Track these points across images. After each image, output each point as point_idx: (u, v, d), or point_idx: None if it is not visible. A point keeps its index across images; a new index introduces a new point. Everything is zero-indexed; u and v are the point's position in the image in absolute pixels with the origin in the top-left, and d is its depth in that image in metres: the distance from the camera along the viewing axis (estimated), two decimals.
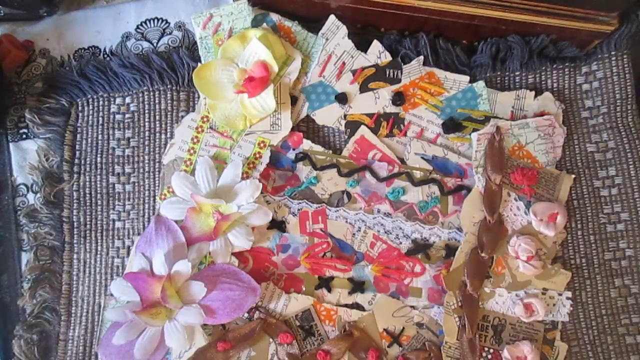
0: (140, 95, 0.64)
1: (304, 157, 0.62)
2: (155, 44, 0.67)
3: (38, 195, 0.63)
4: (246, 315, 0.59)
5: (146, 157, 0.63)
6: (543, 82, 0.63)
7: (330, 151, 0.62)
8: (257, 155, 0.61)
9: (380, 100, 0.63)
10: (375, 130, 0.62)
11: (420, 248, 0.61)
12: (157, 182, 0.62)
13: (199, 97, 0.63)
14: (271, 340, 0.59)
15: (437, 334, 0.59)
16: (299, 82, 0.63)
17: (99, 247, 0.62)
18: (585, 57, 0.63)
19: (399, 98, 0.62)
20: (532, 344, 0.58)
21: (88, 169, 0.63)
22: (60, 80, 0.65)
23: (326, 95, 0.63)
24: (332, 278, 0.60)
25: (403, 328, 0.59)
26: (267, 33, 0.61)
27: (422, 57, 0.62)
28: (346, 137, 0.63)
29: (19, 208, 0.64)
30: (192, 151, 0.61)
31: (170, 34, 0.68)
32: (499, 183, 0.60)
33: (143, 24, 0.68)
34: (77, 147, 0.64)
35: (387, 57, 0.63)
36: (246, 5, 0.62)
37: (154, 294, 0.56)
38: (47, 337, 0.61)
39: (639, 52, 0.63)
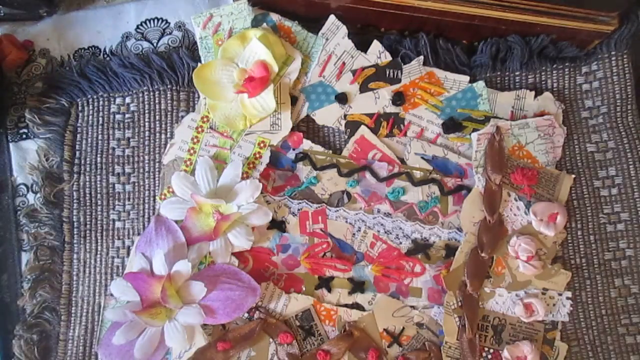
0: (140, 95, 0.64)
1: (304, 157, 0.62)
2: (155, 44, 0.67)
3: (38, 195, 0.63)
4: (246, 315, 0.59)
5: (146, 157, 0.63)
6: (543, 82, 0.63)
7: (330, 151, 0.62)
8: (257, 155, 0.61)
9: (380, 100, 0.63)
10: (375, 130, 0.62)
11: (420, 248, 0.61)
12: (157, 182, 0.62)
13: (199, 97, 0.63)
14: (271, 340, 0.59)
15: (437, 334, 0.59)
16: (299, 82, 0.63)
17: (99, 247, 0.62)
18: (585, 57, 0.63)
19: (399, 98, 0.62)
20: (532, 344, 0.58)
21: (88, 169, 0.63)
22: (60, 80, 0.65)
23: (326, 95, 0.63)
24: (332, 278, 0.60)
25: (403, 328, 0.59)
26: (267, 33, 0.61)
27: (422, 57, 0.62)
28: (346, 137, 0.63)
29: (19, 208, 0.64)
30: (192, 151, 0.61)
31: (170, 34, 0.68)
32: (499, 183, 0.60)
33: (143, 24, 0.68)
34: (77, 147, 0.64)
35: (387, 57, 0.63)
36: (246, 5, 0.62)
37: (154, 294, 0.56)
38: (47, 337, 0.61)
39: (639, 52, 0.63)
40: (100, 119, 0.64)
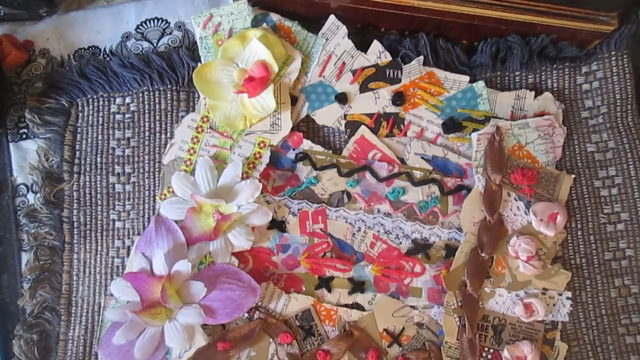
0: (140, 95, 0.64)
1: (304, 157, 0.62)
2: (155, 44, 0.67)
3: (38, 195, 0.63)
4: (246, 315, 0.59)
5: (146, 157, 0.63)
6: (543, 82, 0.63)
7: (330, 151, 0.62)
8: (257, 155, 0.61)
9: (380, 100, 0.63)
10: (375, 130, 0.62)
11: (420, 248, 0.61)
12: (157, 182, 0.62)
13: (199, 97, 0.63)
14: (271, 340, 0.59)
15: (437, 334, 0.59)
16: (299, 82, 0.63)
17: (99, 247, 0.62)
18: (585, 57, 0.63)
19: (399, 98, 0.62)
20: (532, 344, 0.58)
21: (88, 169, 0.63)
22: (60, 80, 0.65)
23: (326, 95, 0.63)
24: (332, 278, 0.60)
25: (403, 328, 0.59)
26: (267, 33, 0.61)
27: (422, 57, 0.62)
28: (346, 137, 0.63)
29: (19, 208, 0.64)
30: (192, 151, 0.61)
31: (170, 34, 0.68)
32: (499, 183, 0.60)
33: (143, 24, 0.68)
34: (77, 147, 0.64)
35: (387, 57, 0.63)
36: (246, 5, 0.62)
37: (154, 294, 0.56)
38: (47, 337, 0.61)
39: (639, 52, 0.63)
40: (100, 119, 0.64)
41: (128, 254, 0.61)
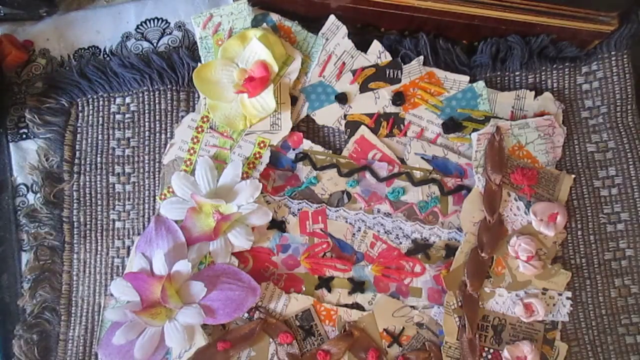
0: (140, 95, 0.64)
1: (304, 157, 0.62)
2: (155, 44, 0.67)
3: (38, 195, 0.63)
4: (246, 315, 0.59)
5: (146, 157, 0.63)
6: (543, 82, 0.63)
7: (330, 151, 0.62)
8: (257, 155, 0.61)
9: (380, 100, 0.63)
10: (375, 130, 0.62)
11: (420, 248, 0.61)
12: (157, 182, 0.62)
13: (199, 97, 0.63)
14: (271, 340, 0.59)
15: (437, 334, 0.59)
16: (299, 82, 0.63)
17: (99, 247, 0.62)
18: (585, 57, 0.63)
19: (399, 98, 0.62)
20: (532, 344, 0.58)
21: (88, 169, 0.63)
22: (60, 80, 0.65)
23: (326, 95, 0.63)
24: (332, 278, 0.60)
25: (403, 328, 0.59)
26: (267, 33, 0.61)
27: (422, 57, 0.62)
28: (346, 137, 0.63)
29: (19, 208, 0.64)
30: (192, 151, 0.61)
31: (170, 34, 0.68)
32: (499, 183, 0.60)
33: (143, 24, 0.68)
34: (77, 147, 0.64)
35: (387, 57, 0.63)
36: (246, 5, 0.62)
37: (154, 294, 0.56)
38: (47, 337, 0.61)
39: (639, 52, 0.63)
40: (100, 119, 0.64)
41: (128, 254, 0.61)
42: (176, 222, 0.59)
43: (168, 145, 0.62)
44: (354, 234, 0.61)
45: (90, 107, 0.64)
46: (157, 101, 0.64)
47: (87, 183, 0.63)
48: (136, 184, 0.63)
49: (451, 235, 0.61)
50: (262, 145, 0.62)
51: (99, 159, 0.63)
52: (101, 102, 0.64)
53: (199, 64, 0.62)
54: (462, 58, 0.63)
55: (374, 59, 0.63)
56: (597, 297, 0.60)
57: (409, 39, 0.63)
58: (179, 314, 0.56)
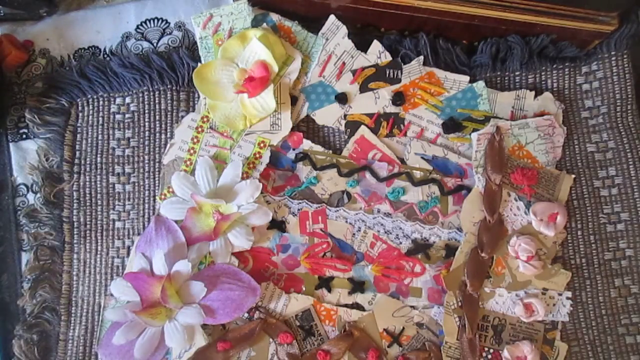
0: (140, 95, 0.64)
1: (304, 157, 0.62)
2: (155, 44, 0.67)
3: (38, 195, 0.63)
4: (246, 315, 0.59)
5: (146, 157, 0.63)
6: (543, 82, 0.63)
7: (330, 151, 0.62)
8: (257, 155, 0.61)
9: (380, 100, 0.63)
10: (375, 130, 0.62)
11: (420, 248, 0.61)
12: (157, 182, 0.62)
13: (199, 97, 0.63)
14: (271, 340, 0.59)
15: (437, 334, 0.59)
16: (299, 82, 0.63)
17: (99, 247, 0.62)
18: (585, 57, 0.63)
19: (399, 98, 0.62)
20: (532, 344, 0.58)
21: (88, 169, 0.63)
22: (60, 80, 0.65)
23: (326, 95, 0.63)
24: (332, 278, 0.60)
25: (403, 328, 0.59)
26: (267, 33, 0.61)
27: (422, 57, 0.62)
28: (346, 137, 0.63)
29: (19, 208, 0.64)
30: (192, 151, 0.61)
31: (170, 34, 0.68)
32: (499, 183, 0.60)
33: (143, 24, 0.68)
34: (77, 147, 0.64)
35: (387, 57, 0.63)
36: (246, 5, 0.62)
37: (154, 294, 0.56)
38: (47, 337, 0.61)
39: (639, 52, 0.63)
40: (100, 119, 0.64)
41: (128, 254, 0.61)
42: (176, 222, 0.59)
43: (168, 145, 0.62)
44: (354, 234, 0.61)
45: (90, 107, 0.64)
46: (157, 101, 0.64)
47: (87, 183, 0.63)
48: (136, 184, 0.63)
49: (451, 235, 0.61)
50: (262, 145, 0.62)
51: (99, 159, 0.63)
52: (101, 102, 0.64)
53: (199, 64, 0.62)
54: (462, 58, 0.63)
55: (374, 59, 0.63)
56: (597, 297, 0.60)
57: (409, 39, 0.63)
58: (179, 314, 0.56)
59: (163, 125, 0.63)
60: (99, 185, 0.63)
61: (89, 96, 0.64)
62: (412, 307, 0.60)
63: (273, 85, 0.60)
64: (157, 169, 0.63)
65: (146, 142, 0.63)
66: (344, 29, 0.63)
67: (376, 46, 0.63)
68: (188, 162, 0.61)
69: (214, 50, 0.62)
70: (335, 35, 0.63)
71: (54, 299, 0.61)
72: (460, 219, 0.60)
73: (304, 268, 0.61)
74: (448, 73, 0.62)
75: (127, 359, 0.56)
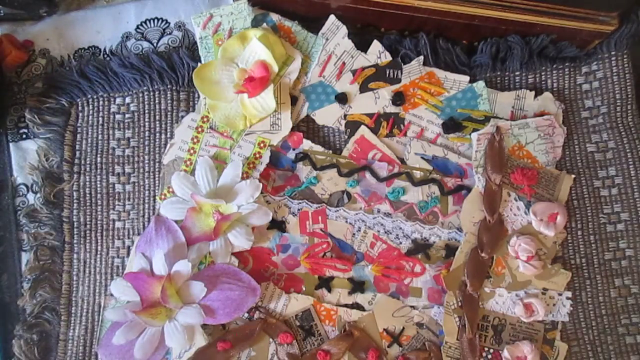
0: (140, 95, 0.64)
1: (304, 157, 0.62)
2: (155, 44, 0.67)
3: (38, 195, 0.63)
4: (246, 315, 0.59)
5: (146, 157, 0.63)
6: (543, 82, 0.63)
7: (330, 151, 0.62)
8: (257, 155, 0.61)
9: (380, 100, 0.63)
10: (375, 130, 0.62)
11: (420, 248, 0.61)
12: (157, 182, 0.62)
13: (199, 97, 0.63)
14: (271, 340, 0.59)
15: (437, 334, 0.59)
16: (299, 82, 0.63)
17: (99, 247, 0.62)
18: (585, 57, 0.63)
19: (399, 98, 0.62)
20: (532, 344, 0.58)
21: (88, 169, 0.63)
22: (60, 80, 0.65)
23: (326, 95, 0.63)
24: (332, 278, 0.60)
25: (403, 328, 0.59)
26: (267, 33, 0.61)
27: (422, 57, 0.62)
28: (346, 137, 0.63)
29: (19, 208, 0.64)
30: (192, 151, 0.61)
31: (170, 34, 0.68)
32: (499, 183, 0.60)
33: (143, 24, 0.68)
34: (77, 147, 0.64)
35: (387, 57, 0.63)
36: (246, 5, 0.62)
37: (154, 294, 0.56)
38: (47, 337, 0.61)
39: (639, 52, 0.63)
40: (100, 119, 0.64)
41: (128, 254, 0.61)
42: (176, 222, 0.59)
43: (168, 145, 0.62)
44: (354, 234, 0.61)
45: (90, 107, 0.64)
46: (157, 101, 0.64)
47: (87, 183, 0.63)
48: (136, 184, 0.63)
49: (451, 235, 0.61)
50: (262, 145, 0.62)
51: (99, 159, 0.63)
52: (101, 102, 0.64)
53: (199, 64, 0.62)
54: (462, 58, 0.63)
55: (374, 59, 0.63)
56: (597, 297, 0.60)
57: (409, 39, 0.63)
58: (179, 314, 0.56)
59: (163, 125, 0.63)
60: (99, 185, 0.63)
61: (89, 96, 0.64)
62: (412, 307, 0.60)
63: (273, 85, 0.60)
64: (157, 169, 0.63)
65: (146, 142, 0.63)
66: (344, 29, 0.63)
67: (376, 46, 0.63)
68: (188, 162, 0.61)
69: (214, 50, 0.62)
70: (335, 35, 0.63)
71: (54, 299, 0.61)
72: (460, 219, 0.60)
73: (304, 268, 0.61)
74: (448, 73, 0.62)
75: (127, 359, 0.56)
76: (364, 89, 0.63)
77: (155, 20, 0.68)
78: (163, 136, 0.63)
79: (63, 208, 0.62)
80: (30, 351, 0.60)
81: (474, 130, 0.61)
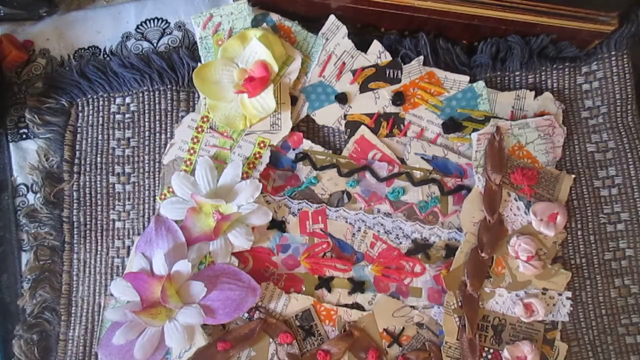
0: (140, 95, 0.64)
1: (304, 157, 0.62)
2: (155, 44, 0.67)
3: (38, 195, 0.63)
4: (246, 315, 0.59)
5: (146, 157, 0.63)
6: (543, 82, 0.63)
7: (330, 151, 0.62)
8: (257, 155, 0.61)
9: (380, 100, 0.63)
10: (375, 130, 0.62)
11: (420, 248, 0.61)
12: (157, 182, 0.62)
13: (199, 97, 0.63)
14: (271, 340, 0.59)
15: (437, 334, 0.59)
16: (299, 82, 0.63)
17: (99, 247, 0.62)
18: (585, 57, 0.63)
19: (399, 98, 0.62)
20: (532, 344, 0.58)
21: (88, 169, 0.63)
22: (60, 80, 0.65)
23: (326, 95, 0.63)
24: (332, 278, 0.60)
25: (403, 328, 0.59)
26: (267, 33, 0.61)
27: (422, 57, 0.62)
28: (346, 137, 0.63)
29: (19, 208, 0.64)
30: (192, 151, 0.62)
31: (170, 34, 0.68)
32: (499, 183, 0.60)
33: (143, 24, 0.68)
34: (77, 147, 0.64)
35: (387, 57, 0.63)
36: (246, 5, 0.62)
37: (154, 294, 0.56)
38: (47, 337, 0.61)
39: (639, 52, 0.63)
40: (100, 119, 0.64)
41: (128, 254, 0.61)
42: (176, 222, 0.59)
43: (168, 145, 0.62)
44: (354, 234, 0.61)
45: (90, 107, 0.64)
46: (157, 101, 0.64)
47: (87, 183, 0.63)
48: (136, 184, 0.63)
49: (451, 235, 0.61)
50: (262, 145, 0.62)
51: (99, 159, 0.63)
52: (101, 102, 0.64)
53: (199, 64, 0.62)
54: (462, 58, 0.63)
55: (374, 59, 0.63)
56: (597, 297, 0.60)
57: (409, 39, 0.63)
58: (179, 314, 0.56)
59: (163, 125, 0.63)
60: (99, 185, 0.63)
61: (89, 96, 0.64)
62: (412, 307, 0.60)
63: (273, 85, 0.60)
64: (157, 169, 0.63)
65: (146, 142, 0.63)
66: (344, 29, 0.63)
67: (376, 46, 0.63)
68: (188, 162, 0.61)
69: (214, 50, 0.62)
70: (335, 35, 0.63)
71: (54, 299, 0.61)
72: (460, 219, 0.60)
73: (304, 268, 0.61)
74: (448, 73, 0.62)
75: (127, 359, 0.56)
76: (364, 89, 0.63)
77: (155, 20, 0.68)
78: (163, 136, 0.63)
79: (63, 208, 0.62)
80: (30, 351, 0.60)
81: (474, 130, 0.61)
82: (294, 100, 0.62)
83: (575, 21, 0.59)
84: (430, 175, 0.61)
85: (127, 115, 0.64)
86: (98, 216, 0.62)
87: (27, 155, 0.65)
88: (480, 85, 0.62)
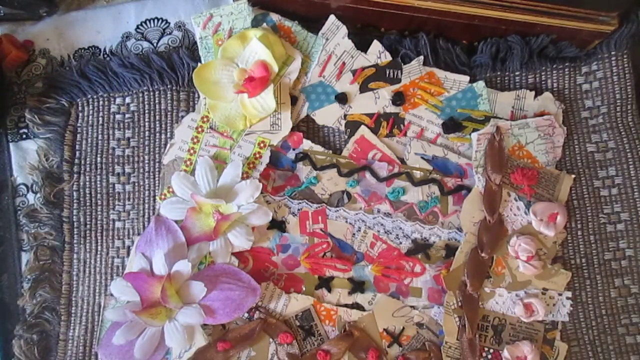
0: (140, 95, 0.64)
1: (304, 157, 0.62)
2: (155, 44, 0.67)
3: (38, 195, 0.63)
4: (246, 315, 0.59)
5: (146, 157, 0.63)
6: (543, 82, 0.63)
7: (330, 151, 0.62)
8: (257, 155, 0.61)
9: (380, 100, 0.63)
10: (375, 130, 0.62)
11: (420, 248, 0.61)
12: (157, 182, 0.62)
13: (199, 97, 0.63)
14: (271, 340, 0.59)
15: (437, 334, 0.59)
16: (299, 82, 0.63)
17: (99, 247, 0.62)
18: (585, 57, 0.63)
19: (399, 98, 0.62)
20: (532, 344, 0.58)
21: (88, 169, 0.63)
22: (60, 80, 0.65)
23: (326, 95, 0.63)
24: (332, 278, 0.60)
25: (403, 328, 0.59)
26: (267, 33, 0.61)
27: (422, 57, 0.62)
28: (346, 137, 0.63)
29: (19, 208, 0.64)
30: (192, 151, 0.62)
31: (170, 34, 0.68)
32: (499, 183, 0.60)
33: (143, 24, 0.68)
34: (77, 147, 0.64)
35: (387, 57, 0.63)
36: (246, 5, 0.62)
37: (154, 294, 0.56)
38: (47, 337, 0.61)
39: (639, 52, 0.63)
40: (100, 119, 0.64)
41: (128, 254, 0.61)
42: (176, 222, 0.59)
43: (168, 145, 0.62)
44: (354, 234, 0.61)
45: (90, 107, 0.64)
46: (157, 101, 0.64)
47: (87, 183, 0.63)
48: (136, 184, 0.63)
49: (451, 235, 0.61)
50: (262, 145, 0.62)
51: (99, 159, 0.63)
52: (101, 102, 0.64)
53: (199, 64, 0.62)
54: (462, 58, 0.63)
55: (374, 59, 0.63)
56: (597, 297, 0.60)
57: (409, 39, 0.63)
58: (179, 314, 0.56)
59: (163, 125, 0.63)
60: (99, 185, 0.63)
61: (89, 96, 0.64)
62: (412, 307, 0.60)
63: (273, 85, 0.60)
64: (157, 169, 0.63)
65: (146, 142, 0.63)
66: (344, 29, 0.63)
67: (376, 46, 0.63)
68: (188, 162, 0.61)
69: (214, 50, 0.62)
70: (335, 35, 0.63)
71: (54, 299, 0.61)
72: (460, 219, 0.60)
73: (304, 268, 0.61)
74: (448, 73, 0.62)
75: (127, 359, 0.56)
76: (364, 89, 0.63)
77: (155, 20, 0.68)
78: (163, 136, 0.63)
79: (63, 208, 0.62)
80: (30, 351, 0.60)
81: (474, 130, 0.61)
82: (294, 100, 0.62)
83: (575, 21, 0.59)
84: (430, 175, 0.61)
85: (127, 115, 0.64)
86: (98, 216, 0.62)
87: (27, 155, 0.65)
88: (480, 85, 0.62)
